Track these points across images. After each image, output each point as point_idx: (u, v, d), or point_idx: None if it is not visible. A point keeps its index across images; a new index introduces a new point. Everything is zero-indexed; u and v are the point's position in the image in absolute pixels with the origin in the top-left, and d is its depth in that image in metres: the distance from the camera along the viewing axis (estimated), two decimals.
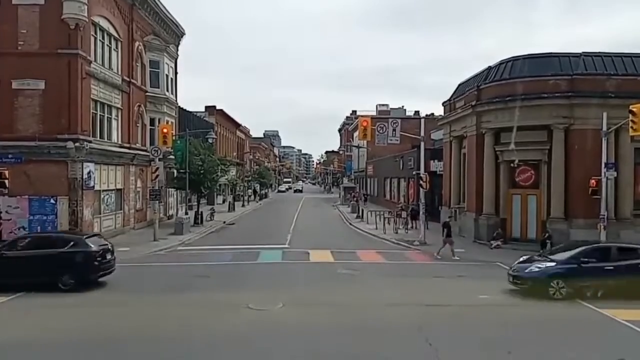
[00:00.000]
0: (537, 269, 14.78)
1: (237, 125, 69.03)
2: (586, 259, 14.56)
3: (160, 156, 27.11)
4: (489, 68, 26.83)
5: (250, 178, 70.04)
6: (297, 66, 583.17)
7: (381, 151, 51.75)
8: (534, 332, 11.28)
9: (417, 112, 74.82)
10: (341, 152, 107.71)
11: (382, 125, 27.63)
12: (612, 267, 14.45)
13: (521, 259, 16.00)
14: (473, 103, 26.13)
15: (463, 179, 29.34)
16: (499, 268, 19.24)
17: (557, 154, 23.20)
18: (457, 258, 21.15)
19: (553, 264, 14.83)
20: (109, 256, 15.77)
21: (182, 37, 37.81)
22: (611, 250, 15.45)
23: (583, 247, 15.31)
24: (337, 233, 31.33)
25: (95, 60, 24.66)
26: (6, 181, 20.36)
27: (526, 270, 14.95)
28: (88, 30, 23.52)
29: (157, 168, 26.95)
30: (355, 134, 68.30)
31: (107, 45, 26.30)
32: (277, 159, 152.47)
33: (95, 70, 24.53)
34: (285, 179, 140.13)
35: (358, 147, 66.74)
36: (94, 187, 24.03)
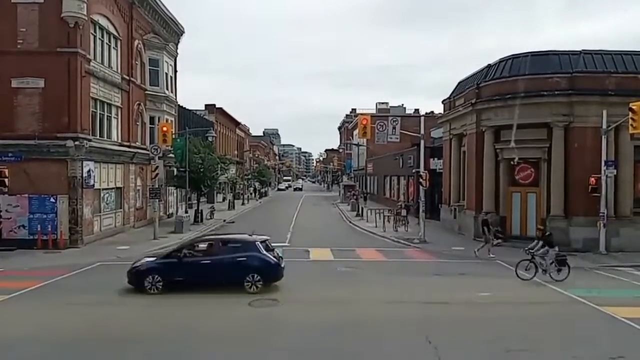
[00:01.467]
0: (139, 264, 14.76)
1: (237, 123, 69.02)
2: (186, 254, 14.70)
3: (160, 154, 27.09)
4: (489, 66, 26.82)
5: (250, 176, 70.03)
6: (297, 64, 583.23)
7: (381, 149, 51.72)
8: (533, 330, 11.31)
9: (416, 110, 74.88)
10: (341, 150, 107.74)
11: (381, 124, 27.62)
12: (209, 262, 14.49)
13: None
14: (473, 101, 26.13)
15: (463, 176, 29.35)
16: (499, 266, 19.32)
17: (556, 152, 23.19)
18: (493, 256, 20.80)
19: (153, 258, 14.94)
20: None
21: (181, 35, 37.76)
22: (214, 244, 15.43)
23: (187, 242, 15.29)
24: (337, 231, 31.34)
25: (95, 59, 24.64)
26: (6, 180, 20.39)
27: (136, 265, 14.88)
28: (87, 29, 23.48)
29: (157, 166, 26.96)
30: (355, 132, 68.33)
31: (107, 43, 26.26)
32: (277, 157, 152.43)
33: (95, 69, 24.51)
34: (285, 177, 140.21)
35: (358, 145, 66.73)
36: (93, 185, 24.03)
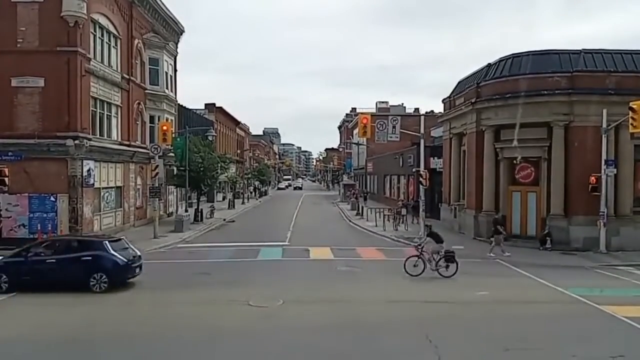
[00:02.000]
0: None
1: (237, 122, 69.00)
2: (34, 252, 14.93)
3: (160, 154, 27.10)
4: (489, 65, 26.81)
5: (250, 175, 70.01)
6: (297, 63, 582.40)
7: (381, 148, 51.70)
8: (532, 329, 11.31)
9: (416, 110, 74.81)
10: (341, 149, 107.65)
11: (382, 123, 27.58)
12: (54, 261, 14.64)
13: None
14: (473, 100, 26.13)
15: (463, 176, 29.34)
16: (499, 265, 19.33)
17: (557, 151, 23.19)
18: (492, 255, 20.67)
19: (0, 257, 15.13)
20: None
21: (181, 34, 37.78)
22: (62, 243, 15.71)
23: (37, 242, 16.09)
24: (336, 230, 31.33)
25: (95, 58, 24.64)
26: (6, 179, 20.34)
27: None
28: (87, 28, 23.48)
29: (157, 165, 26.98)
30: (355, 131, 68.29)
31: (107, 42, 26.27)
32: (277, 157, 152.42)
33: (95, 68, 24.50)
34: (285, 177, 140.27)
35: (358, 144, 66.71)
36: (93, 184, 24.04)
